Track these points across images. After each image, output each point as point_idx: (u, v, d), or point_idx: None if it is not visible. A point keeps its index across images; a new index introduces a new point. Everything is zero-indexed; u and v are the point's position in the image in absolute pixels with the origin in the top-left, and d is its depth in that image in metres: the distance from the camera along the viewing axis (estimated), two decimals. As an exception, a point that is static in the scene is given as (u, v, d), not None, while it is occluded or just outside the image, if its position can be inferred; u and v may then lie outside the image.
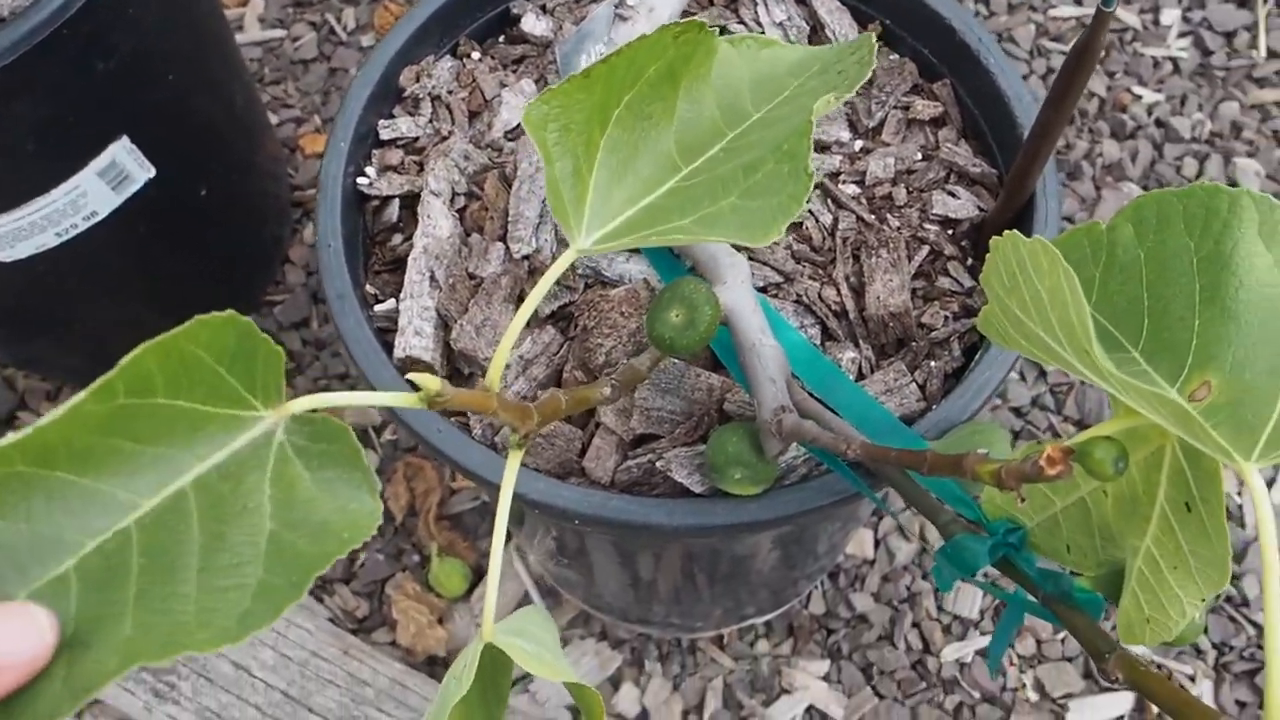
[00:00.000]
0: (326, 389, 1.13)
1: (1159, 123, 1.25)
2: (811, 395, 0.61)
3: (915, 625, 1.02)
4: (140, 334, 1.09)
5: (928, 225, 0.69)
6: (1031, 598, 0.54)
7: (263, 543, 0.38)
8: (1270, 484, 1.08)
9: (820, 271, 0.67)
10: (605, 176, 0.46)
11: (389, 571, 1.05)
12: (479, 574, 1.05)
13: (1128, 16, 1.31)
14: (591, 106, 0.45)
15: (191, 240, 1.05)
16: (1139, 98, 1.26)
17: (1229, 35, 1.30)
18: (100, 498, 0.37)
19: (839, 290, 0.66)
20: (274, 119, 1.29)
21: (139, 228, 0.97)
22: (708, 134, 0.47)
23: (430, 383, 0.41)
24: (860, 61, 0.47)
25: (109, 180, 0.90)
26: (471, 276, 0.67)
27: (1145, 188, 1.21)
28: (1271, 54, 1.28)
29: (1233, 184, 1.19)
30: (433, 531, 1.05)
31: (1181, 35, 1.30)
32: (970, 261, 0.69)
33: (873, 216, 0.69)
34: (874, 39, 0.48)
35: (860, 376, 0.65)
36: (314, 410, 0.39)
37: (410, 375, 0.40)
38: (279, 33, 1.35)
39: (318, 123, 1.29)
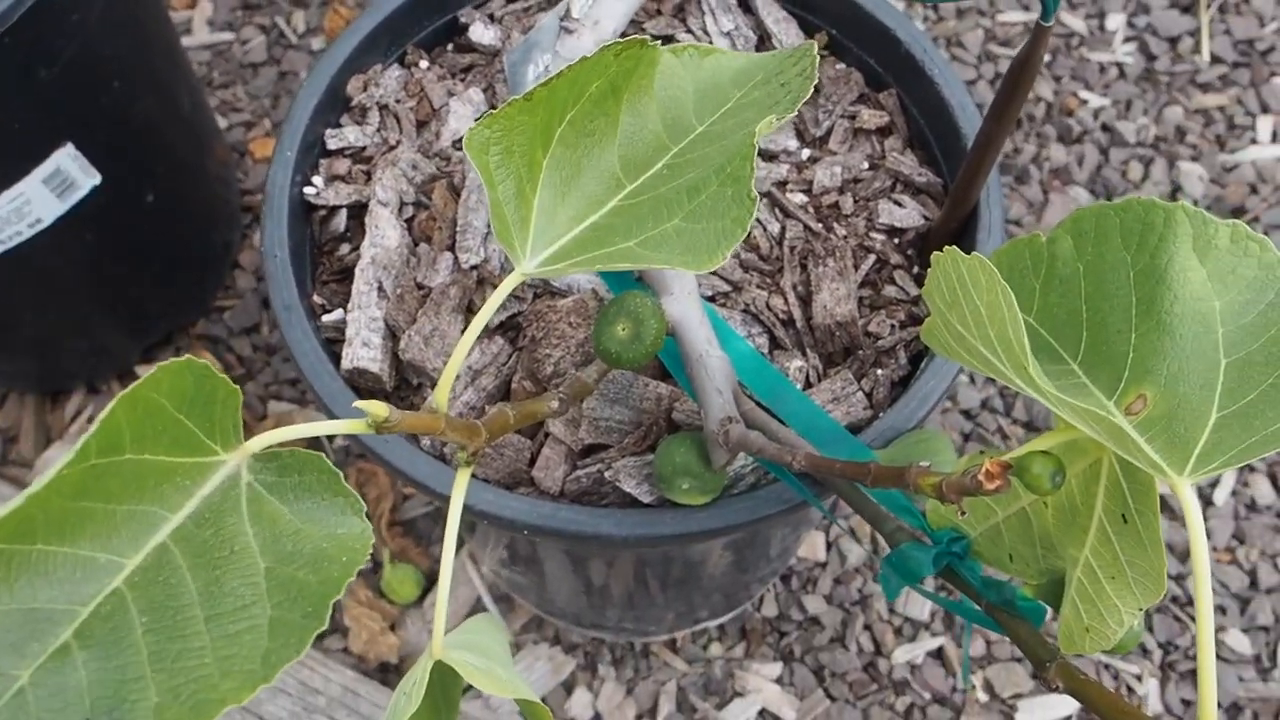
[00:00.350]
0: (277, 395, 1.12)
1: (1105, 127, 1.27)
2: (759, 404, 0.62)
3: (867, 627, 1.03)
4: (89, 340, 1.07)
5: (874, 234, 0.69)
6: (975, 606, 0.54)
7: (261, 581, 0.37)
8: (1215, 485, 1.10)
9: (768, 280, 0.68)
10: (549, 196, 0.46)
11: (341, 579, 1.04)
12: (431, 580, 1.05)
13: (1073, 22, 1.32)
14: (534, 128, 0.45)
15: (140, 246, 1.04)
16: (1085, 102, 1.28)
17: (1173, 40, 1.32)
18: (81, 564, 0.36)
19: (786, 299, 0.67)
20: (223, 123, 1.28)
21: (85, 235, 0.96)
22: (651, 149, 0.47)
23: (378, 409, 0.41)
24: (802, 74, 0.47)
25: (53, 188, 0.89)
26: (420, 286, 0.67)
27: (1092, 191, 1.22)
28: (1215, 59, 1.30)
29: (1177, 188, 1.20)
30: (385, 538, 1.05)
31: (1126, 40, 1.32)
32: (916, 270, 0.69)
33: (820, 225, 0.69)
34: (815, 48, 0.48)
35: (808, 385, 0.65)
36: (271, 447, 0.39)
37: (358, 403, 0.40)
38: (228, 36, 1.34)
39: (268, 126, 1.28)
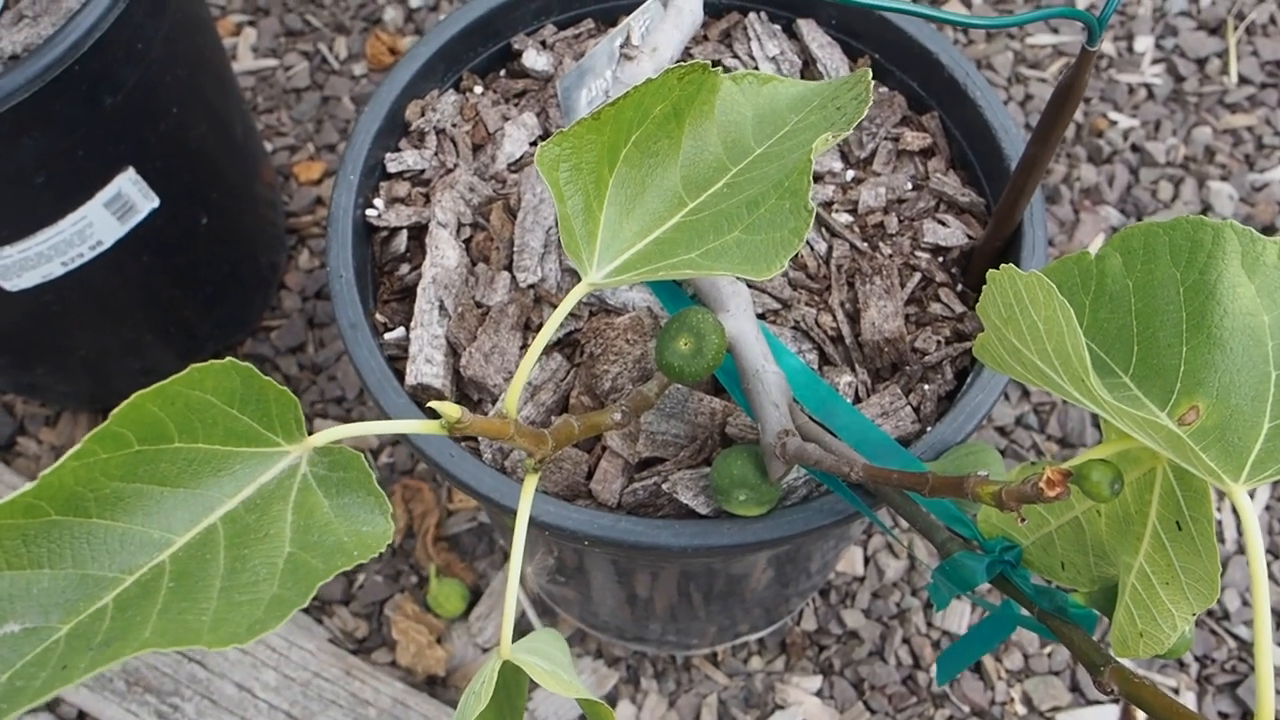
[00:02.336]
0: (323, 414, 1.15)
1: (1134, 147, 1.28)
2: (812, 419, 0.64)
3: (905, 641, 1.04)
4: (140, 360, 1.10)
5: (919, 253, 0.71)
6: (1026, 613, 0.56)
7: (280, 563, 0.40)
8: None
9: (816, 298, 0.70)
10: (615, 212, 0.48)
11: (388, 593, 1.07)
12: (477, 594, 1.06)
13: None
14: (601, 146, 0.47)
15: (192, 268, 1.07)
16: (1115, 123, 1.30)
17: (1201, 62, 1.34)
18: (135, 538, 0.40)
19: (835, 316, 0.69)
20: (268, 147, 1.31)
21: (142, 257, 0.99)
22: (712, 169, 0.50)
23: (451, 410, 0.43)
24: (857, 98, 0.49)
25: (114, 211, 0.92)
26: (479, 305, 0.69)
27: (1123, 211, 1.24)
28: (1242, 80, 1.32)
29: (1207, 207, 1.22)
30: (430, 552, 1.07)
31: (1155, 62, 1.34)
32: (960, 287, 0.71)
33: (866, 244, 0.71)
34: (869, 75, 0.50)
35: (857, 400, 0.67)
36: (336, 442, 0.42)
37: (432, 404, 0.42)
38: (272, 62, 1.37)
39: (311, 150, 1.31)
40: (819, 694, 1.03)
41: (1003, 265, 0.47)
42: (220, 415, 0.40)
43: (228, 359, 0.40)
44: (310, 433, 0.42)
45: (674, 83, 0.49)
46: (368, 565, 1.07)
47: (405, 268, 0.73)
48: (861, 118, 0.48)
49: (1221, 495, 1.10)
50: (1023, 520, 0.46)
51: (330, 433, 0.41)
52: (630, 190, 0.50)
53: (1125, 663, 0.52)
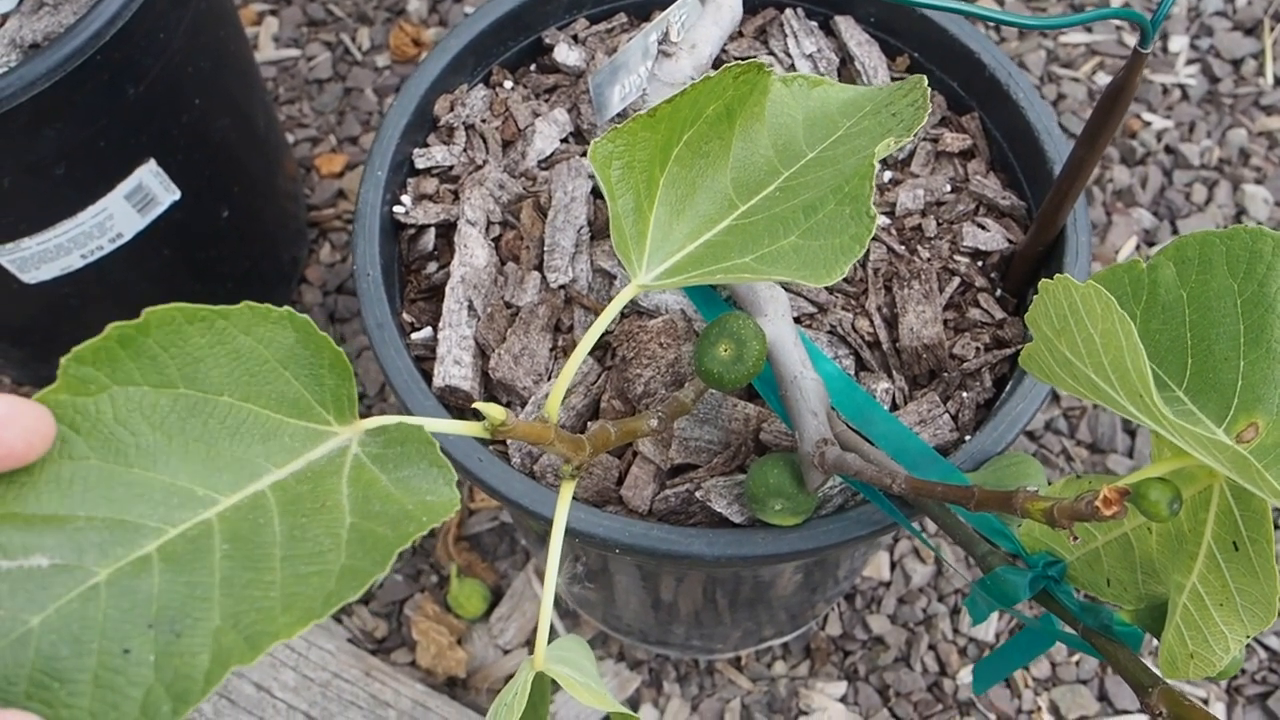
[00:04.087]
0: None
1: (1168, 149, 1.26)
2: (848, 426, 0.62)
3: (931, 647, 1.03)
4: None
5: (958, 257, 0.70)
6: (1069, 629, 0.54)
7: (344, 533, 0.38)
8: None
9: (853, 302, 0.68)
10: (665, 213, 0.47)
11: (407, 592, 1.05)
12: (498, 595, 1.05)
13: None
14: (654, 145, 0.46)
15: (212, 262, 1.06)
16: (1148, 124, 1.28)
17: (1236, 63, 1.31)
18: (179, 492, 0.38)
19: (872, 321, 0.67)
20: (289, 139, 1.29)
21: (162, 250, 0.98)
22: (764, 172, 0.48)
23: (496, 413, 0.42)
24: (914, 104, 0.48)
25: (135, 203, 0.91)
26: (508, 305, 0.68)
27: (1155, 213, 1.22)
28: (1279, 81, 1.30)
29: (1241, 211, 1.20)
30: (451, 552, 1.06)
31: (1190, 62, 1.32)
32: (1000, 293, 0.70)
33: (903, 248, 0.70)
34: (925, 81, 0.49)
35: (894, 407, 0.66)
36: (384, 427, 0.40)
37: (477, 405, 0.41)
38: (294, 52, 1.36)
39: (333, 143, 1.30)
40: (843, 700, 1.01)
41: (1057, 275, 0.45)
42: (272, 374, 0.38)
43: (285, 308, 0.38)
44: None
45: (729, 81, 0.48)
46: (387, 563, 1.06)
47: (433, 266, 0.72)
48: (921, 123, 0.46)
49: None
50: (1075, 539, 0.44)
51: (378, 419, 0.40)
52: (680, 191, 0.48)
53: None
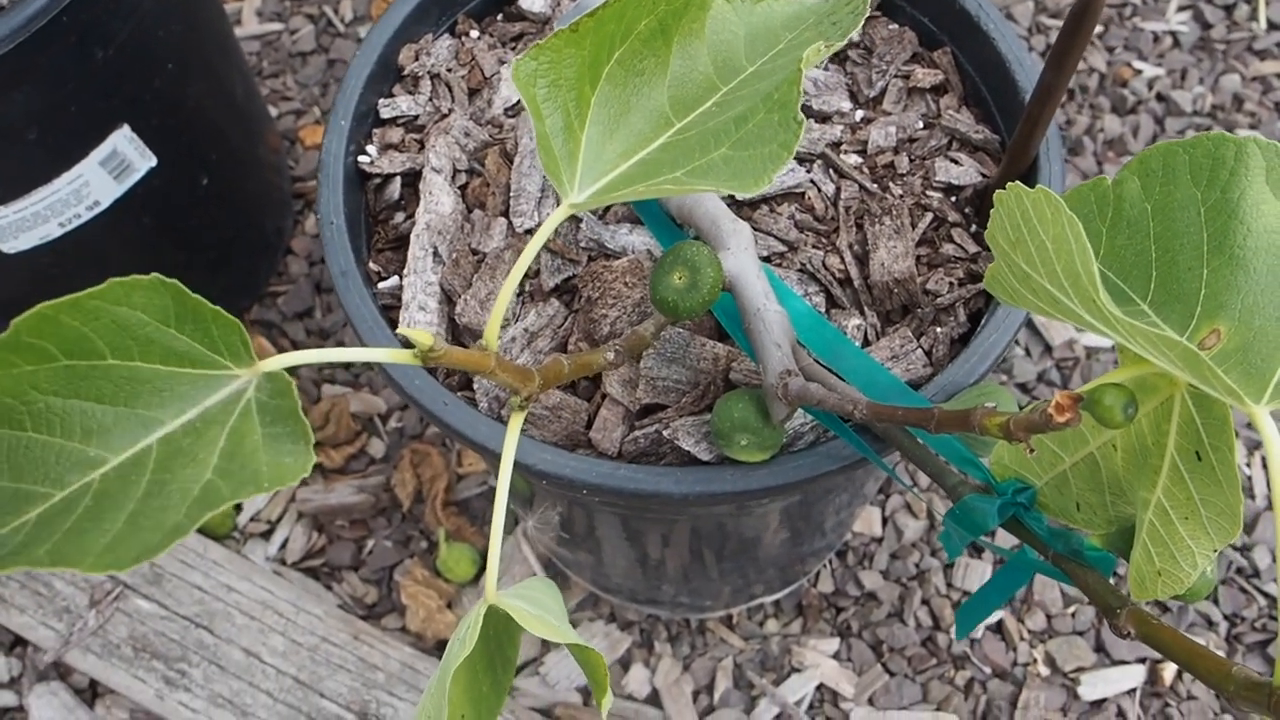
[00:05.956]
0: (331, 379, 1.13)
1: (1160, 97, 1.25)
2: (818, 362, 0.61)
3: (925, 602, 1.02)
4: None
5: (931, 192, 0.69)
6: (1041, 557, 0.54)
7: (195, 490, 0.39)
8: None
9: (824, 240, 0.67)
10: (598, 132, 0.46)
11: (397, 558, 1.05)
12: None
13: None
14: (581, 62, 0.45)
15: (194, 231, 1.05)
16: (1139, 72, 1.26)
17: (1228, 8, 1.30)
18: (71, 454, 0.39)
19: (843, 258, 0.66)
20: (274, 111, 1.29)
21: (142, 218, 0.97)
22: (701, 89, 0.47)
23: (423, 338, 0.41)
24: (853, 11, 0.46)
25: (111, 169, 0.90)
26: (474, 252, 0.67)
27: (1147, 162, 1.20)
28: (1272, 26, 1.28)
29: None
30: (440, 517, 1.05)
31: (1181, 9, 1.30)
32: (974, 228, 0.68)
33: (875, 185, 0.69)
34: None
35: (866, 343, 0.65)
36: (289, 368, 0.40)
37: (402, 330, 0.40)
38: (277, 26, 1.35)
39: (317, 114, 1.29)
40: (836, 656, 1.00)
41: (1009, 184, 0.44)
42: (156, 333, 0.38)
43: (153, 275, 0.38)
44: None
45: None
46: (377, 530, 1.06)
47: (399, 216, 0.71)
48: (856, 28, 0.45)
49: (1250, 448, 1.07)
50: (1031, 451, 0.43)
51: (282, 358, 0.40)
52: (614, 110, 0.47)
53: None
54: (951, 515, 0.56)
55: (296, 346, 1.15)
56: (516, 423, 0.48)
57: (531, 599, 0.52)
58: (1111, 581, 0.52)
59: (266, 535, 1.06)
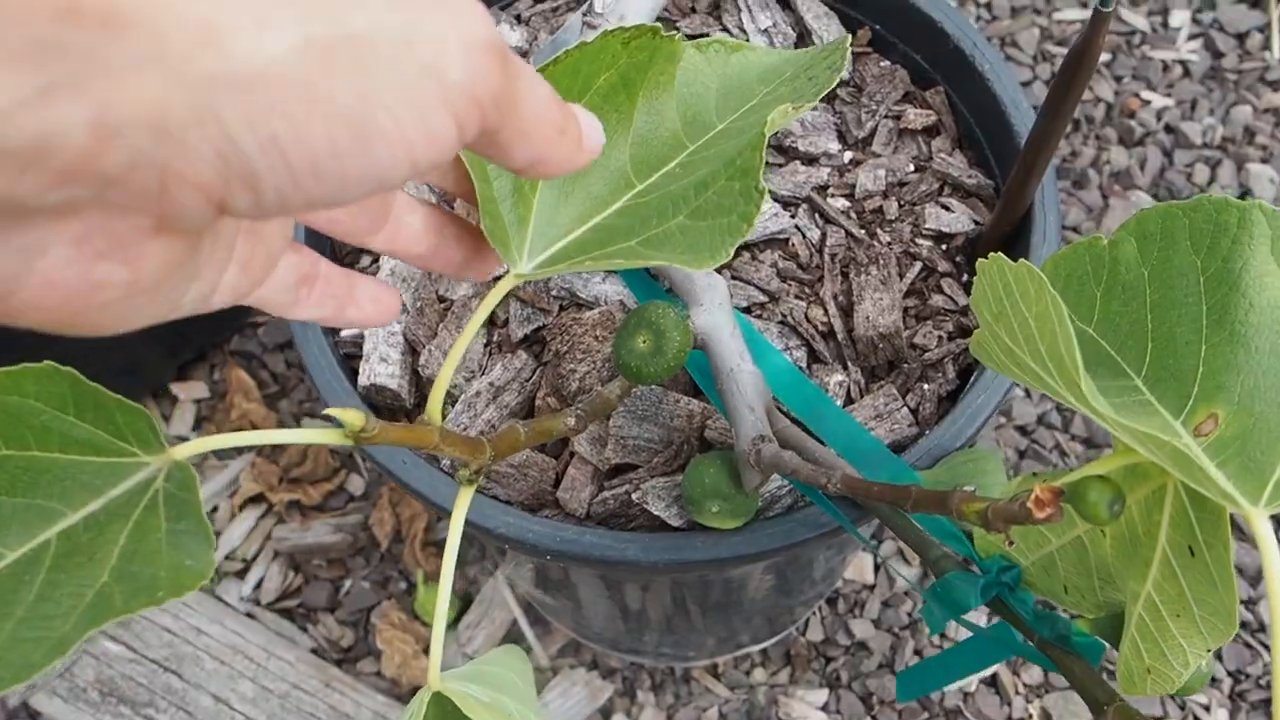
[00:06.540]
0: (311, 413, 1.10)
1: (1169, 128, 1.21)
2: (796, 423, 0.58)
3: (917, 653, 0.98)
4: (126, 356, 1.06)
5: (920, 240, 0.65)
6: (1026, 641, 0.50)
7: (89, 595, 0.36)
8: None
9: (807, 290, 0.64)
10: (551, 196, 0.42)
11: (375, 599, 1.02)
12: (467, 602, 1.02)
13: (1135, 19, 1.27)
14: None
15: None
16: (1148, 103, 1.23)
17: (1241, 37, 1.26)
18: None
19: (826, 310, 0.63)
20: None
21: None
22: (667, 147, 0.44)
23: (354, 418, 0.38)
24: (831, 67, 0.43)
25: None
26: (441, 300, 0.64)
27: (1155, 196, 1.17)
28: (1284, 57, 1.25)
29: (1245, 191, 1.15)
30: (419, 558, 1.02)
31: (1192, 38, 1.27)
32: (965, 278, 0.65)
33: (862, 231, 0.65)
34: (849, 41, 0.45)
35: (849, 401, 0.62)
36: (202, 454, 0.37)
37: (331, 410, 0.37)
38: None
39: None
40: (825, 708, 0.97)
41: (992, 254, 0.41)
42: (53, 421, 0.35)
43: (46, 361, 0.35)
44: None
45: (617, 48, 0.43)
46: (355, 570, 1.03)
47: (365, 259, 0.68)
48: (831, 87, 0.42)
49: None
50: (1010, 543, 0.40)
51: (196, 444, 0.37)
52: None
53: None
54: (932, 592, 0.52)
55: (276, 379, 1.12)
56: (465, 497, 0.45)
57: (489, 678, 0.49)
58: (1102, 660, 0.49)
59: (241, 574, 1.03)
